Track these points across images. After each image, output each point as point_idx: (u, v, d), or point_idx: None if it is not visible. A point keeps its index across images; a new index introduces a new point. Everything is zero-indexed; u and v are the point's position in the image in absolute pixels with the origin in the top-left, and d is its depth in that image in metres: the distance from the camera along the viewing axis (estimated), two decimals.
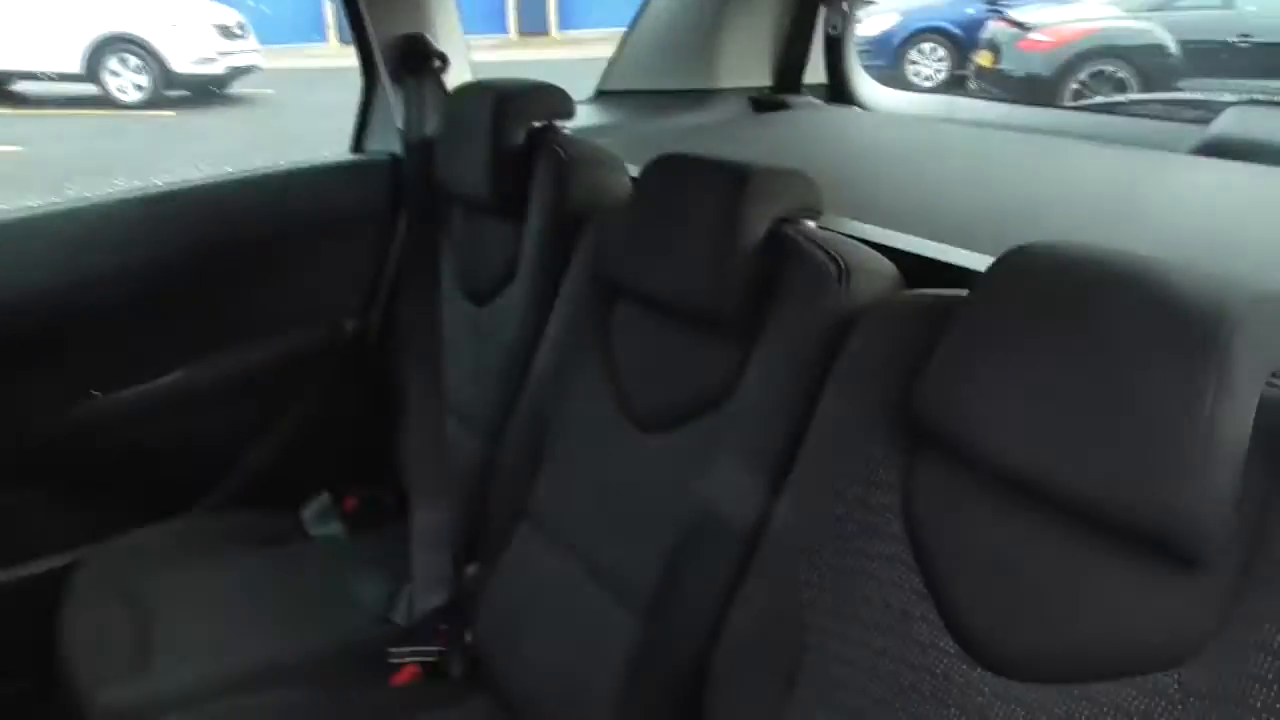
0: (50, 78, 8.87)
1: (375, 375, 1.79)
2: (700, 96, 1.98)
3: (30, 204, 1.52)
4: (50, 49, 8.68)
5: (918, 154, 1.80)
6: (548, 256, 1.38)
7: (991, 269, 0.78)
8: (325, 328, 1.76)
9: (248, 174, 1.70)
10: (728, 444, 1.02)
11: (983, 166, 1.70)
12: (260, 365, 1.69)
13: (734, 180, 1.04)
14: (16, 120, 8.60)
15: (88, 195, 1.57)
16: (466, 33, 1.81)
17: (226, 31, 9.43)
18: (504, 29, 15.06)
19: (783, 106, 1.99)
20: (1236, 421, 0.62)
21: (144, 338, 1.58)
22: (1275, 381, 0.65)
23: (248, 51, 9.65)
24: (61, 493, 1.56)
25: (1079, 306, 0.70)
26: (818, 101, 2.03)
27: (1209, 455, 0.62)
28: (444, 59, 1.71)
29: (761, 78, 2.02)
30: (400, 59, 1.71)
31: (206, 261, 1.61)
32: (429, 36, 1.71)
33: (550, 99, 1.47)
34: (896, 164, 1.74)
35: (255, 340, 1.69)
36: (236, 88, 9.74)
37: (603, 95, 2.04)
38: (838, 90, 2.05)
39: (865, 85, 2.08)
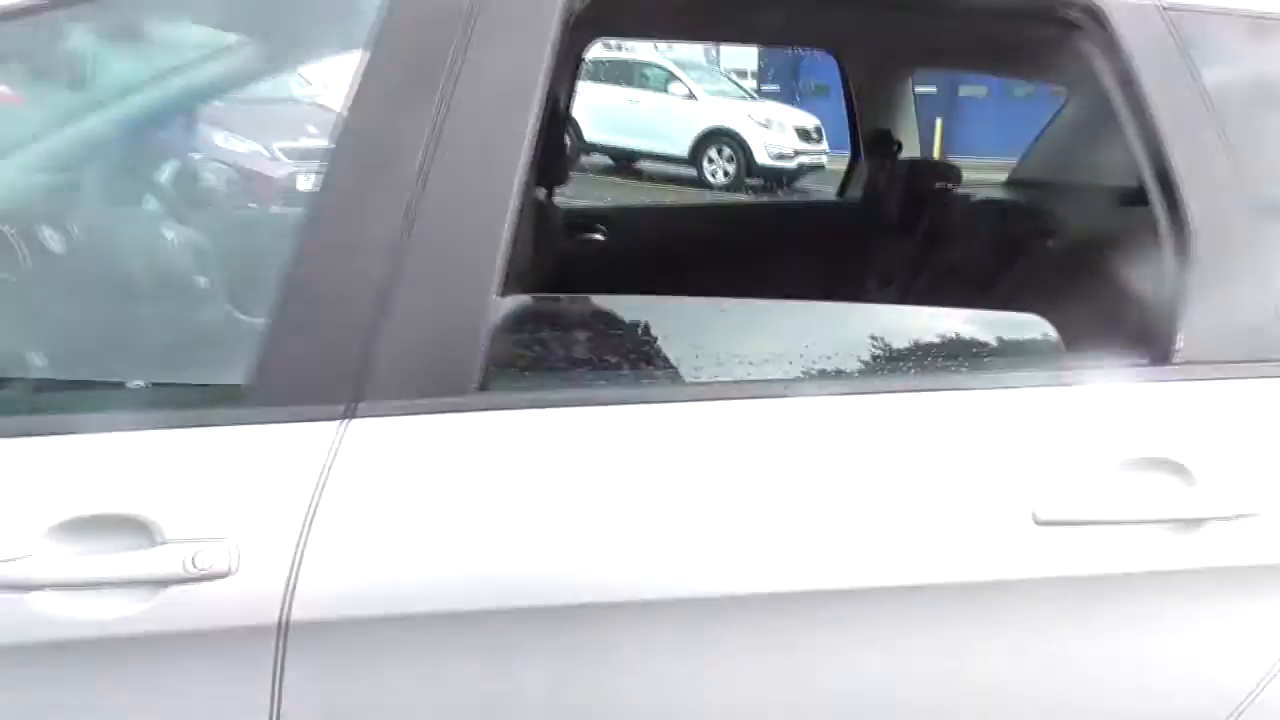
0: (663, 159, 11.00)
1: None
2: None
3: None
4: (667, 136, 10.87)
5: None
6: None
7: None
8: None
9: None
10: None
11: None
12: None
13: None
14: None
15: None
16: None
17: (805, 134, 10.93)
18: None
19: None
20: None
21: None
22: None
23: (817, 153, 10.93)
24: None
25: None
26: None
27: None
28: (900, 145, 2.66)
29: None
30: (873, 142, 2.65)
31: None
32: (892, 131, 2.64)
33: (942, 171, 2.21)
34: None
35: None
36: (802, 183, 11.09)
37: None
38: None
39: None
